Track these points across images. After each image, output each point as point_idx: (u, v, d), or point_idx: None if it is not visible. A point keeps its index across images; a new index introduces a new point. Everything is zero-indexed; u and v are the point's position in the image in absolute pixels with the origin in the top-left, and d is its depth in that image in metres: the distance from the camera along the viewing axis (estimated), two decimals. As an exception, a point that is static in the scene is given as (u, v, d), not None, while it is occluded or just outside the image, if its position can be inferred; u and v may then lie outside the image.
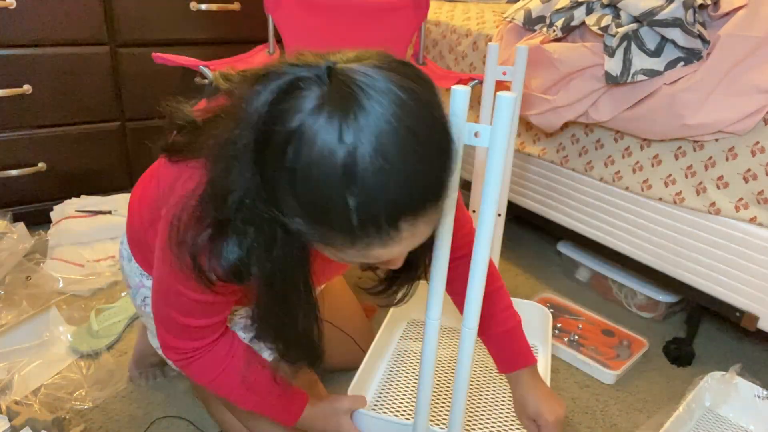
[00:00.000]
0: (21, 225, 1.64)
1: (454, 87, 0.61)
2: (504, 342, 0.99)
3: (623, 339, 1.49)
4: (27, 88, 1.62)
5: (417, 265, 0.80)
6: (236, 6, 1.91)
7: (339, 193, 0.52)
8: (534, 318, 1.25)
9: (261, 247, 0.63)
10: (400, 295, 0.85)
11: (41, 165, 1.72)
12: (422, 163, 0.54)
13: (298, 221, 0.57)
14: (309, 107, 0.52)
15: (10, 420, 1.03)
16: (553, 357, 1.45)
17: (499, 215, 1.30)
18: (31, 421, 1.03)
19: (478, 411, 1.13)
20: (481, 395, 1.18)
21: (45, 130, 1.70)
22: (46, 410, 1.11)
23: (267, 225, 0.61)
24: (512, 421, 1.12)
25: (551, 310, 1.59)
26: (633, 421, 1.26)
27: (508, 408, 1.15)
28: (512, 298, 1.04)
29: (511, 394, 1.04)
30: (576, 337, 1.48)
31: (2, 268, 1.48)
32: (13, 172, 1.68)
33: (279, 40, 1.73)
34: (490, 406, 1.15)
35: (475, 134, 0.62)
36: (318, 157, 0.51)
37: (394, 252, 0.59)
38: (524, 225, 2.12)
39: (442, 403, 1.15)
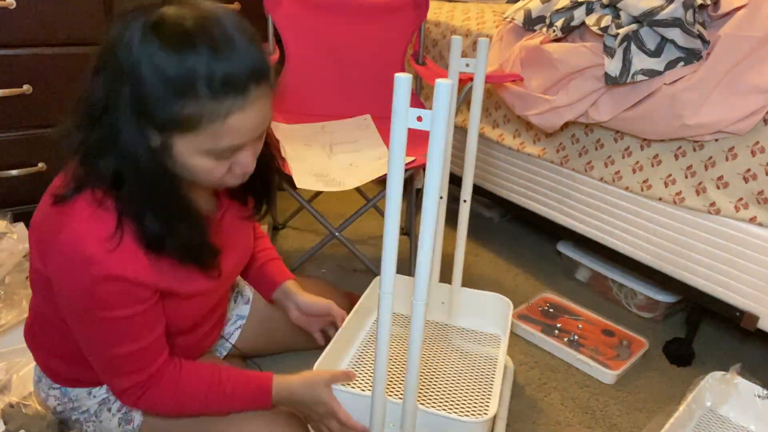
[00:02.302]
0: (21, 225, 1.63)
1: (396, 74, 0.67)
2: (263, 271, 1.13)
3: (623, 339, 1.49)
4: (27, 88, 1.62)
5: (268, 180, 0.95)
6: (236, 6, 1.91)
7: (202, 63, 0.67)
8: (497, 309, 1.28)
9: (133, 150, 0.72)
10: (263, 210, 0.99)
11: (41, 165, 1.72)
12: (253, 42, 0.73)
13: (167, 114, 0.69)
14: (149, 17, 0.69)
15: (5, 423, 1.03)
16: (553, 357, 1.45)
17: (441, 198, 1.33)
18: (26, 426, 1.03)
19: (436, 386, 1.13)
20: (440, 373, 1.17)
21: (45, 130, 1.70)
22: (44, 411, 1.11)
23: (134, 133, 0.71)
24: (468, 394, 1.12)
25: (551, 310, 1.59)
26: (633, 421, 1.26)
27: (465, 383, 1.16)
28: (480, 290, 1.29)
29: (468, 373, 1.14)
30: (576, 337, 1.48)
31: (2, 268, 1.48)
32: (13, 172, 1.68)
33: (279, 40, 1.73)
34: (447, 382, 1.15)
35: (418, 118, 0.69)
36: (174, 41, 0.68)
37: (248, 119, 0.72)
38: (524, 225, 2.12)
39: (402, 377, 1.14)
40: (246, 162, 0.78)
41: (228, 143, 0.73)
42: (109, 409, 0.96)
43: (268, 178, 0.95)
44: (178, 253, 0.80)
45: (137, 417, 0.95)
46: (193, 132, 0.71)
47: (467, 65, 1.11)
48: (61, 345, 0.91)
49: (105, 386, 0.96)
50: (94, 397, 0.96)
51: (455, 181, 2.00)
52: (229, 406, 0.91)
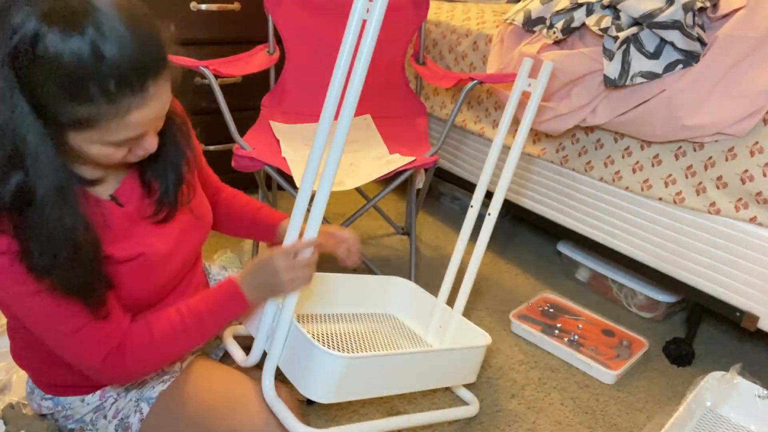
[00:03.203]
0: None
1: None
2: (256, 221, 1.11)
3: (623, 339, 1.49)
4: (27, 88, 1.62)
5: (178, 168, 0.90)
6: (236, 6, 1.91)
7: (94, 67, 0.64)
8: (398, 291, 1.33)
9: (35, 161, 0.68)
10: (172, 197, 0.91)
11: (41, 165, 1.72)
12: (150, 33, 0.70)
13: (64, 114, 0.66)
14: (39, 11, 0.63)
15: (5, 424, 1.03)
16: (553, 357, 1.45)
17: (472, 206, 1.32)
18: (26, 426, 1.02)
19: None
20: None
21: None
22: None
23: (35, 138, 0.67)
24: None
25: (551, 310, 1.59)
26: (633, 421, 1.26)
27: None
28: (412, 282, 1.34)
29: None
30: (576, 337, 1.48)
31: (2, 268, 1.48)
32: (13, 172, 1.68)
33: (279, 40, 1.73)
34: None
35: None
36: (64, 47, 0.63)
37: (148, 113, 0.71)
38: (524, 225, 2.12)
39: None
40: (147, 145, 0.77)
41: (127, 135, 0.72)
42: (105, 416, 0.94)
43: (174, 160, 0.89)
44: (62, 287, 0.74)
45: (135, 423, 0.93)
46: (92, 129, 0.69)
47: (529, 85, 1.21)
48: (40, 350, 0.88)
49: (98, 393, 0.94)
50: (88, 404, 0.94)
51: (459, 183, 2.00)
52: (212, 326, 0.88)
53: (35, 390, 0.97)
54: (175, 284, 0.98)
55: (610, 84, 1.31)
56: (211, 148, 2.03)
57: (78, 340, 0.79)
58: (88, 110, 0.67)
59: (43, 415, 0.99)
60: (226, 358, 1.21)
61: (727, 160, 1.23)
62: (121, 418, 0.93)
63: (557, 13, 1.49)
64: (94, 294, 0.77)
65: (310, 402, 1.23)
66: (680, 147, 1.31)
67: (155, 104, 0.72)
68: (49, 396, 0.95)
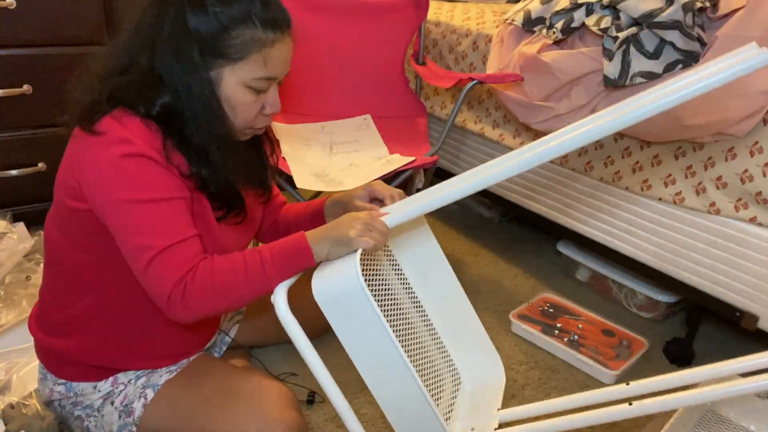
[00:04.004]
0: (21, 225, 1.63)
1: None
2: (300, 213, 1.15)
3: (623, 339, 1.49)
4: (27, 88, 1.62)
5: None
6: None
7: (252, 3, 0.84)
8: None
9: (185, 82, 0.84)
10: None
11: (41, 165, 1.72)
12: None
13: (225, 44, 0.83)
14: None
15: (5, 424, 1.03)
16: (553, 357, 1.45)
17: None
18: (26, 426, 1.03)
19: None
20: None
21: (45, 130, 1.70)
22: (44, 411, 1.11)
23: (190, 68, 0.83)
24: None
25: (551, 310, 1.59)
26: (633, 421, 1.26)
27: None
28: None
29: None
30: (576, 337, 1.48)
31: (2, 268, 1.48)
32: (13, 172, 1.68)
33: (279, 40, 1.72)
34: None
35: None
36: None
37: (285, 52, 0.89)
38: (524, 225, 2.12)
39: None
40: (274, 100, 0.91)
41: (266, 73, 0.87)
42: (112, 402, 0.97)
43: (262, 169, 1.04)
44: (216, 189, 0.89)
45: (138, 408, 0.96)
46: (242, 61, 0.84)
47: None
48: (77, 313, 0.93)
49: (110, 380, 0.97)
50: (99, 391, 0.97)
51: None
52: (273, 273, 0.85)
53: (48, 375, 0.99)
54: None
55: (609, 84, 1.31)
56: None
57: (164, 258, 0.81)
58: (245, 36, 0.84)
59: (50, 403, 1.01)
60: (227, 357, 1.22)
61: (727, 160, 1.23)
62: (126, 404, 0.96)
63: (557, 13, 1.49)
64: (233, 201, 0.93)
65: (310, 402, 1.23)
66: (680, 147, 1.31)
67: (287, 47, 0.89)
68: (62, 381, 0.97)
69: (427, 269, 1.15)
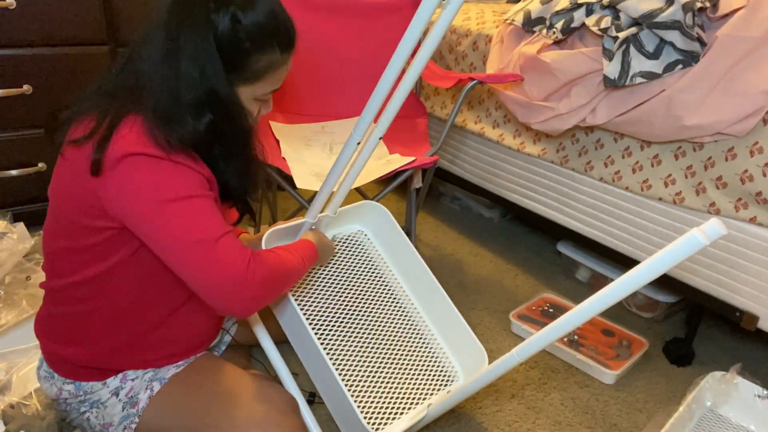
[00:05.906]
0: (21, 225, 1.63)
1: None
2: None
3: (623, 339, 1.49)
4: (27, 88, 1.62)
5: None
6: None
7: (274, 26, 0.88)
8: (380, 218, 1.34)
9: (223, 111, 0.86)
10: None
11: (41, 165, 1.72)
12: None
13: (250, 67, 0.87)
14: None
15: (5, 424, 1.03)
16: (553, 357, 1.45)
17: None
18: (26, 426, 1.03)
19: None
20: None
21: (46, 130, 1.70)
22: (44, 411, 1.11)
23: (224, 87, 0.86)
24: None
25: (551, 310, 1.59)
26: (633, 421, 1.26)
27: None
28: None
29: None
30: (576, 337, 1.48)
31: (2, 268, 1.48)
32: (13, 172, 1.68)
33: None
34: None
35: None
36: (259, 13, 0.85)
37: (286, 71, 0.94)
38: (524, 225, 2.12)
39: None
40: (270, 104, 0.97)
41: (274, 87, 0.93)
42: (117, 394, 0.98)
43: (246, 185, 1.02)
44: (237, 196, 0.96)
45: (143, 399, 0.96)
46: (260, 81, 0.90)
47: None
48: (86, 321, 0.94)
49: (119, 375, 0.98)
50: (108, 386, 0.98)
51: (459, 183, 2.00)
52: (307, 268, 1.03)
53: (55, 375, 0.99)
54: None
55: (609, 84, 1.31)
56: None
57: (221, 247, 0.83)
58: (266, 61, 0.88)
59: (56, 400, 1.01)
60: (228, 357, 1.22)
61: (726, 160, 1.23)
62: (131, 396, 0.97)
63: (557, 13, 1.49)
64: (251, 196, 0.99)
65: (310, 402, 1.23)
66: (680, 147, 1.31)
67: (290, 64, 0.94)
68: (71, 380, 0.98)
69: (408, 272, 1.31)
